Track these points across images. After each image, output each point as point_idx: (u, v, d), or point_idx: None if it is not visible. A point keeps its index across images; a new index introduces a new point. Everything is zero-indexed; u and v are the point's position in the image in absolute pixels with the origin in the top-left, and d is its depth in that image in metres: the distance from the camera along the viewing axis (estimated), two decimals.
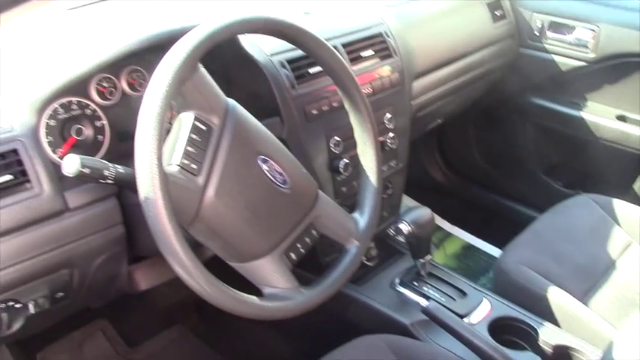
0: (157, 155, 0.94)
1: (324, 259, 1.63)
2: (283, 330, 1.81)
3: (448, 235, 2.53)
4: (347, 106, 1.27)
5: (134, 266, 1.35)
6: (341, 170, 1.53)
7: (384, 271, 1.71)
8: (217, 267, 1.07)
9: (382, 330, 1.42)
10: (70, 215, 1.14)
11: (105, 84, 1.29)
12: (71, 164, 1.01)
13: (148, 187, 0.94)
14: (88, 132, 1.26)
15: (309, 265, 1.23)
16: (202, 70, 1.06)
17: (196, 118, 1.05)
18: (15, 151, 1.08)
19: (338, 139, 1.53)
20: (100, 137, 1.28)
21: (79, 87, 1.24)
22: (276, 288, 1.10)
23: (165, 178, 0.95)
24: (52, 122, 1.21)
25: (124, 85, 1.32)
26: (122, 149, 1.30)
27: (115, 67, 1.28)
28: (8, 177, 1.07)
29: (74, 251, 1.15)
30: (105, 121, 1.29)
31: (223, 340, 1.93)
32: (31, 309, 1.15)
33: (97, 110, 1.28)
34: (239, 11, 1.11)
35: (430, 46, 1.84)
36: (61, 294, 1.19)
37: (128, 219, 1.23)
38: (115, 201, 1.20)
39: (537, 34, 2.15)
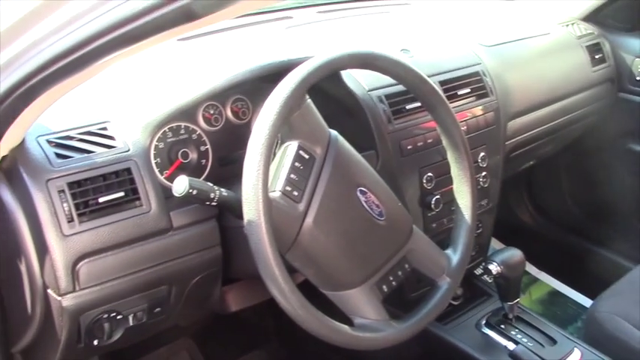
0: (264, 181, 0.98)
1: (409, 295, 1.63)
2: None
3: (535, 280, 2.46)
4: (445, 143, 1.27)
5: (226, 287, 1.39)
6: (432, 206, 1.53)
7: (469, 311, 1.68)
8: (306, 293, 1.09)
9: None
10: (174, 234, 1.19)
11: (211, 111, 1.35)
12: (181, 185, 1.06)
13: (252, 211, 0.97)
14: (193, 155, 1.32)
15: (394, 299, 1.24)
16: (309, 101, 1.10)
17: (300, 147, 1.09)
18: (128, 170, 1.15)
19: (431, 174, 1.53)
20: (203, 161, 1.34)
21: (188, 113, 1.31)
22: (367, 319, 1.11)
23: (269, 203, 0.99)
24: (161, 145, 1.28)
25: (229, 113, 1.39)
26: (222, 174, 1.36)
27: (221, 95, 1.34)
28: (121, 194, 1.13)
29: (174, 269, 1.20)
30: (209, 146, 1.35)
31: None
32: (130, 321, 1.21)
33: (202, 135, 1.34)
34: (339, 46, 1.14)
35: (527, 87, 1.83)
36: (158, 309, 1.24)
37: (225, 241, 1.27)
38: (214, 223, 1.25)
39: (638, 79, 2.10)
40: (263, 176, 0.98)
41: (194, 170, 1.32)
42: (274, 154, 1.11)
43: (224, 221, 1.26)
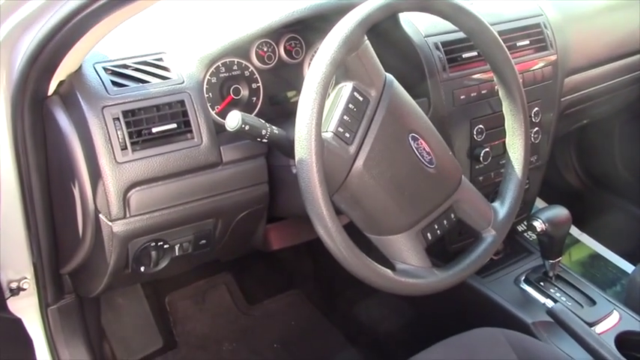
0: (317, 120, 0.97)
1: (450, 247, 1.62)
2: (399, 310, 1.83)
3: (576, 241, 2.43)
4: (501, 94, 1.25)
5: (270, 226, 1.40)
6: (481, 159, 1.51)
7: (509, 266, 1.68)
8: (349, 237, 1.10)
9: (500, 325, 1.40)
10: (223, 169, 1.20)
11: (265, 48, 1.34)
12: (234, 119, 1.06)
13: (304, 150, 0.97)
14: (244, 92, 1.32)
15: (434, 250, 1.23)
16: (367, 42, 1.08)
17: (355, 89, 1.07)
18: (182, 102, 1.15)
19: (482, 127, 1.51)
20: (254, 99, 1.34)
21: (242, 49, 1.30)
22: (409, 265, 1.11)
23: (321, 142, 0.98)
24: (214, 79, 1.28)
25: (282, 52, 1.37)
26: (272, 112, 1.36)
27: (276, 33, 1.33)
28: (173, 125, 1.14)
29: (222, 203, 1.22)
30: (260, 84, 1.35)
31: (337, 310, 1.97)
32: (176, 251, 1.23)
33: (254, 73, 1.34)
34: None
35: (589, 43, 1.77)
36: (203, 241, 1.26)
37: (272, 179, 1.28)
38: (263, 160, 1.25)
39: None
40: (317, 115, 0.97)
41: (244, 107, 1.33)
42: (328, 95, 1.10)
43: (272, 159, 1.26)
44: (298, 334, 1.90)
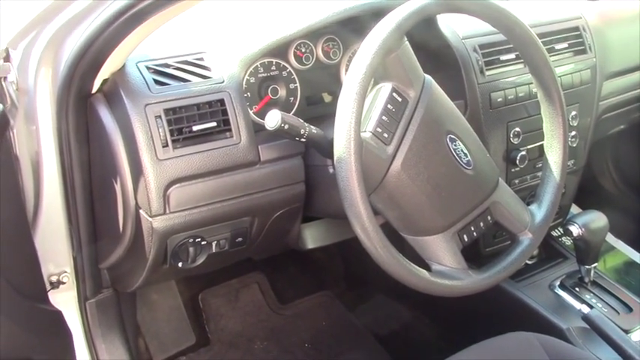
0: (357, 120, 0.98)
1: (484, 250, 1.62)
2: (430, 312, 1.82)
3: (611, 248, 2.39)
4: (540, 96, 1.24)
5: (305, 225, 1.41)
6: (517, 162, 1.50)
7: (543, 271, 1.66)
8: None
9: (534, 330, 1.39)
10: (261, 167, 1.21)
11: (303, 49, 1.36)
12: (274, 119, 1.07)
13: (343, 149, 0.98)
14: (281, 92, 1.34)
15: (468, 252, 1.23)
16: (407, 43, 1.09)
17: (394, 90, 1.08)
18: (221, 101, 1.17)
19: (518, 129, 1.50)
20: (291, 99, 1.36)
21: (280, 49, 1.31)
22: (445, 266, 1.11)
23: (360, 142, 0.99)
24: (252, 79, 1.30)
25: (320, 53, 1.39)
26: (309, 112, 1.37)
27: (314, 34, 1.34)
28: (213, 124, 1.16)
29: (259, 201, 1.23)
30: (298, 84, 1.36)
31: (368, 311, 1.97)
32: (214, 248, 1.25)
33: (292, 73, 1.35)
34: None
35: (628, 47, 1.75)
36: (240, 239, 1.27)
37: (308, 179, 1.29)
38: (300, 160, 1.26)
39: None
40: (357, 115, 0.98)
41: (282, 107, 1.34)
42: (366, 95, 1.11)
43: (309, 159, 1.27)
44: (329, 334, 1.91)
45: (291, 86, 1.35)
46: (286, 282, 2.01)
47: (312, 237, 1.44)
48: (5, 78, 1.21)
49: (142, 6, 0.98)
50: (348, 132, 0.98)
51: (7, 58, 1.19)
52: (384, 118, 1.06)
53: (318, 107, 1.40)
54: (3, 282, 1.00)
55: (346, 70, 1.43)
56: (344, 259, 2.05)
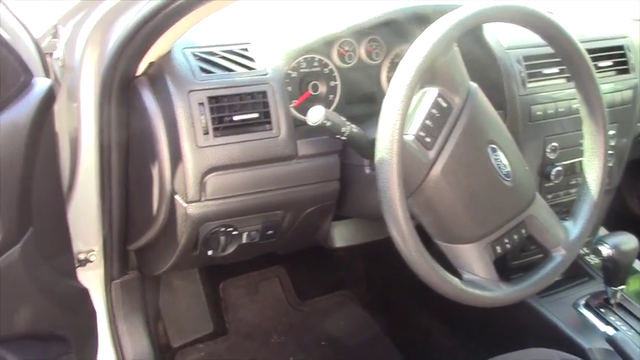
0: (401, 122, 0.98)
1: (511, 263, 1.60)
2: (450, 320, 1.81)
3: (635, 271, 2.37)
4: (583, 113, 1.22)
5: (334, 223, 1.41)
6: (552, 177, 1.49)
7: (568, 289, 1.64)
8: None
9: (555, 347, 1.37)
10: (297, 162, 1.21)
11: (346, 47, 1.35)
12: (318, 114, 1.07)
13: (386, 150, 0.98)
14: (322, 89, 1.34)
15: (495, 264, 1.23)
16: (457, 49, 1.08)
17: (439, 95, 1.07)
18: (264, 93, 1.17)
19: (555, 144, 1.49)
20: (331, 96, 1.36)
21: (325, 46, 1.31)
22: (476, 276, 1.10)
23: (403, 145, 0.98)
24: (294, 74, 1.30)
25: (362, 52, 1.38)
26: (347, 111, 1.37)
27: (359, 33, 1.33)
28: (255, 115, 1.16)
29: (292, 196, 1.23)
30: (338, 82, 1.36)
31: (386, 314, 1.97)
32: (244, 238, 1.25)
33: (334, 71, 1.35)
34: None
35: None
36: (270, 232, 1.28)
37: (343, 178, 1.28)
38: (337, 158, 1.26)
39: None
40: (401, 117, 0.98)
41: (321, 104, 1.33)
42: None
43: (345, 158, 1.27)
44: (346, 334, 1.91)
45: (332, 84, 1.35)
46: (307, 278, 2.01)
47: (341, 236, 1.44)
48: (51, 54, 1.22)
49: None
50: (391, 133, 0.97)
51: (55, 35, 1.20)
52: (427, 122, 1.05)
53: (357, 107, 1.40)
54: (36, 254, 1.01)
55: (387, 71, 1.42)
56: (366, 260, 2.04)
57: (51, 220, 1.09)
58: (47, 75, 1.17)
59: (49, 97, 0.99)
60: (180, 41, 1.16)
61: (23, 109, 0.93)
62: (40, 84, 0.98)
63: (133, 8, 1.08)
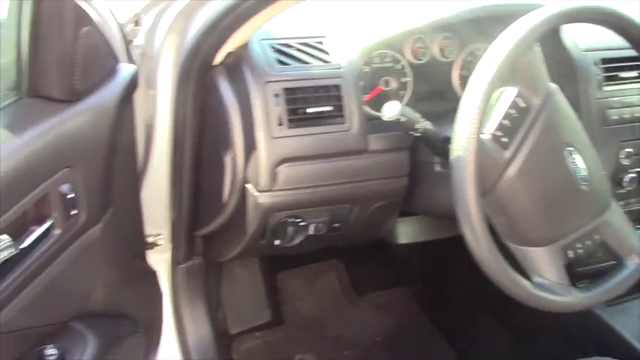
0: (479, 120, 0.97)
1: (575, 269, 1.57)
2: (507, 323, 1.79)
3: None
4: None
5: (399, 219, 1.41)
6: (624, 184, 1.45)
7: (636, 299, 1.60)
8: None
9: (619, 357, 1.35)
10: (368, 157, 1.22)
11: (419, 44, 1.35)
12: (393, 109, 1.07)
13: (462, 149, 0.97)
14: (393, 85, 1.34)
15: None
16: (538, 49, 1.06)
17: (518, 94, 1.06)
18: (338, 87, 1.18)
19: (630, 150, 1.45)
20: (401, 92, 1.35)
21: (398, 42, 1.31)
22: (547, 280, 1.08)
23: (480, 145, 0.97)
24: (367, 69, 1.30)
25: (435, 49, 1.37)
26: (417, 108, 1.36)
27: (433, 30, 1.33)
28: (328, 108, 1.17)
29: (361, 190, 1.24)
30: (410, 79, 1.35)
31: (442, 314, 1.95)
32: (311, 230, 1.26)
33: (405, 67, 1.34)
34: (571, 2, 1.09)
35: None
36: (337, 224, 1.28)
37: (412, 174, 1.28)
38: (407, 154, 1.26)
39: None
40: (480, 116, 0.97)
41: (392, 99, 1.33)
42: None
43: (415, 154, 1.27)
44: (401, 331, 1.90)
45: (403, 80, 1.35)
46: (364, 274, 2.01)
47: (406, 232, 1.43)
48: (132, 41, 1.25)
49: None
50: (469, 131, 0.96)
51: (137, 23, 1.23)
52: (505, 122, 1.04)
53: (427, 103, 1.39)
54: (114, 235, 1.04)
55: (459, 69, 1.41)
56: (424, 258, 2.03)
57: (128, 202, 1.13)
58: (130, 61, 1.21)
59: (133, 84, 1.02)
60: (258, 33, 1.18)
61: (109, 94, 0.97)
62: (125, 70, 1.01)
63: (213, 1, 1.10)
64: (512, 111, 1.05)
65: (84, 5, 0.89)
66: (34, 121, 0.86)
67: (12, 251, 0.83)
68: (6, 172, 0.80)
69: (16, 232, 0.85)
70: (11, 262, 0.84)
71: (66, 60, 0.88)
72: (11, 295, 0.84)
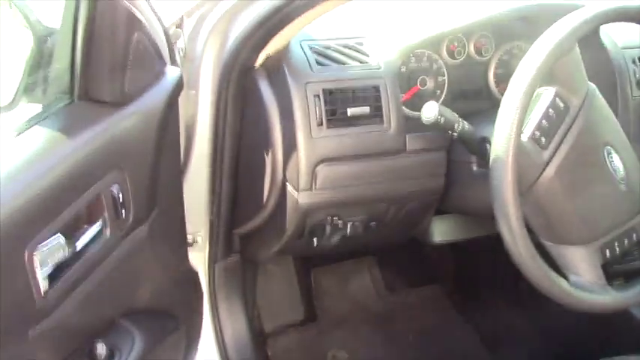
0: (520, 121, 0.98)
1: (611, 267, 1.57)
2: (542, 323, 1.79)
3: None
4: None
5: (435, 217, 1.42)
6: None
7: None
8: None
9: None
10: (405, 156, 1.23)
11: (456, 43, 1.35)
12: (432, 110, 1.09)
13: (502, 150, 0.98)
14: (430, 84, 1.35)
15: None
16: (577, 49, 1.07)
17: (557, 95, 1.06)
18: (376, 88, 1.20)
19: None
20: (438, 92, 1.36)
21: (435, 42, 1.32)
22: (584, 279, 1.09)
23: (520, 145, 0.98)
24: (403, 69, 1.31)
25: (471, 48, 1.38)
26: (453, 107, 1.37)
27: (470, 30, 1.33)
28: (366, 109, 1.19)
29: (398, 189, 1.25)
30: (446, 78, 1.36)
31: (476, 314, 1.96)
32: (348, 230, 1.28)
33: (442, 66, 1.35)
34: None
35: None
36: (373, 223, 1.30)
37: (448, 174, 1.29)
38: (444, 154, 1.27)
39: None
40: (520, 116, 0.97)
41: (428, 99, 1.34)
42: None
43: (452, 154, 1.28)
44: (433, 329, 1.91)
45: (440, 79, 1.36)
46: (396, 271, 2.02)
47: (441, 231, 1.44)
48: (175, 43, 1.27)
49: None
50: (509, 132, 0.97)
51: (179, 25, 1.25)
52: (543, 122, 1.05)
53: (463, 102, 1.40)
54: (160, 233, 1.07)
55: (495, 68, 1.41)
56: (456, 256, 2.04)
57: (172, 202, 1.15)
58: (173, 63, 1.23)
59: (179, 86, 1.04)
60: (298, 35, 1.20)
61: (157, 96, 0.99)
62: (171, 73, 1.04)
63: (256, 4, 1.12)
64: (551, 111, 1.06)
65: (134, 10, 0.91)
66: (86, 124, 0.89)
67: (66, 251, 0.86)
68: (61, 176, 0.82)
69: (69, 233, 0.88)
70: (65, 262, 0.87)
71: (118, 64, 0.90)
72: (65, 294, 0.87)
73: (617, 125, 1.15)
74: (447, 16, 1.30)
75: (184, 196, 1.31)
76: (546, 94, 1.07)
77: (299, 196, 1.18)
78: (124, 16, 0.89)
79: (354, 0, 1.10)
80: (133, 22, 0.90)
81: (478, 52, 1.38)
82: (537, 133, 1.04)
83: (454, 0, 1.36)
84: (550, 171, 1.05)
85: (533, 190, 1.06)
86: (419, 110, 1.16)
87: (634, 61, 1.39)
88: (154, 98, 0.98)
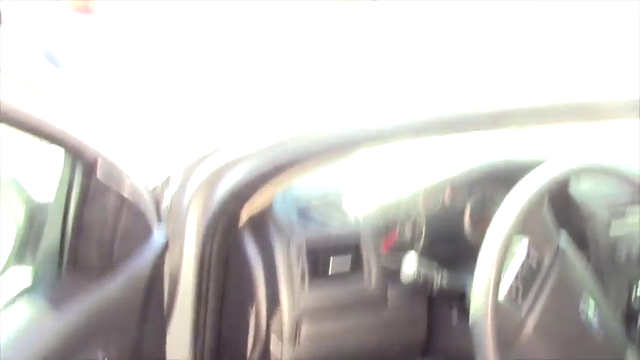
0: (495, 287, 0.99)
1: None
2: None
3: None
4: None
5: None
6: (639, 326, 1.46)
7: None
8: None
9: None
10: (387, 310, 1.28)
11: (431, 196, 1.41)
12: (411, 267, 1.12)
13: (481, 315, 0.99)
14: (407, 234, 1.38)
15: None
16: (545, 204, 1.12)
17: (529, 248, 1.09)
18: (357, 244, 1.25)
19: None
20: (415, 240, 1.40)
21: (412, 196, 1.37)
22: None
23: (497, 305, 1.00)
24: (382, 221, 1.35)
25: (446, 198, 1.43)
26: (431, 252, 1.40)
27: (443, 184, 1.40)
28: (347, 265, 1.23)
29: (381, 344, 1.28)
30: (423, 227, 1.40)
31: None
32: None
33: (419, 217, 1.40)
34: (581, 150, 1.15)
35: None
36: None
37: (429, 324, 1.31)
38: (425, 306, 1.31)
39: None
40: (495, 283, 0.99)
41: (407, 247, 1.38)
42: None
43: (433, 305, 1.30)
44: None
45: (417, 229, 1.40)
46: None
47: None
48: (160, 202, 1.31)
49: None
50: (485, 299, 0.99)
51: (166, 183, 1.30)
52: (518, 280, 1.07)
53: (440, 247, 1.43)
54: None
55: (470, 215, 1.46)
56: None
57: (152, 352, 1.15)
58: (158, 218, 1.27)
59: (166, 245, 1.08)
60: (281, 193, 1.25)
61: (144, 259, 1.03)
62: (158, 235, 1.07)
63: (241, 165, 1.17)
64: (525, 268, 1.08)
65: (124, 183, 0.96)
66: (75, 294, 0.91)
67: None
68: (47, 351, 0.84)
69: None
70: None
71: (107, 234, 0.94)
72: None
73: (589, 274, 1.18)
74: (422, 170, 1.36)
75: (167, 350, 1.31)
76: (520, 248, 1.10)
77: (283, 350, 1.19)
78: (116, 192, 0.93)
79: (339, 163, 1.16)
80: (123, 197, 0.94)
81: (452, 201, 1.44)
82: (513, 293, 1.07)
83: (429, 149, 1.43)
84: (528, 329, 1.07)
85: (512, 347, 1.07)
86: (399, 260, 1.20)
87: (602, 205, 1.44)
88: (141, 261, 1.02)
